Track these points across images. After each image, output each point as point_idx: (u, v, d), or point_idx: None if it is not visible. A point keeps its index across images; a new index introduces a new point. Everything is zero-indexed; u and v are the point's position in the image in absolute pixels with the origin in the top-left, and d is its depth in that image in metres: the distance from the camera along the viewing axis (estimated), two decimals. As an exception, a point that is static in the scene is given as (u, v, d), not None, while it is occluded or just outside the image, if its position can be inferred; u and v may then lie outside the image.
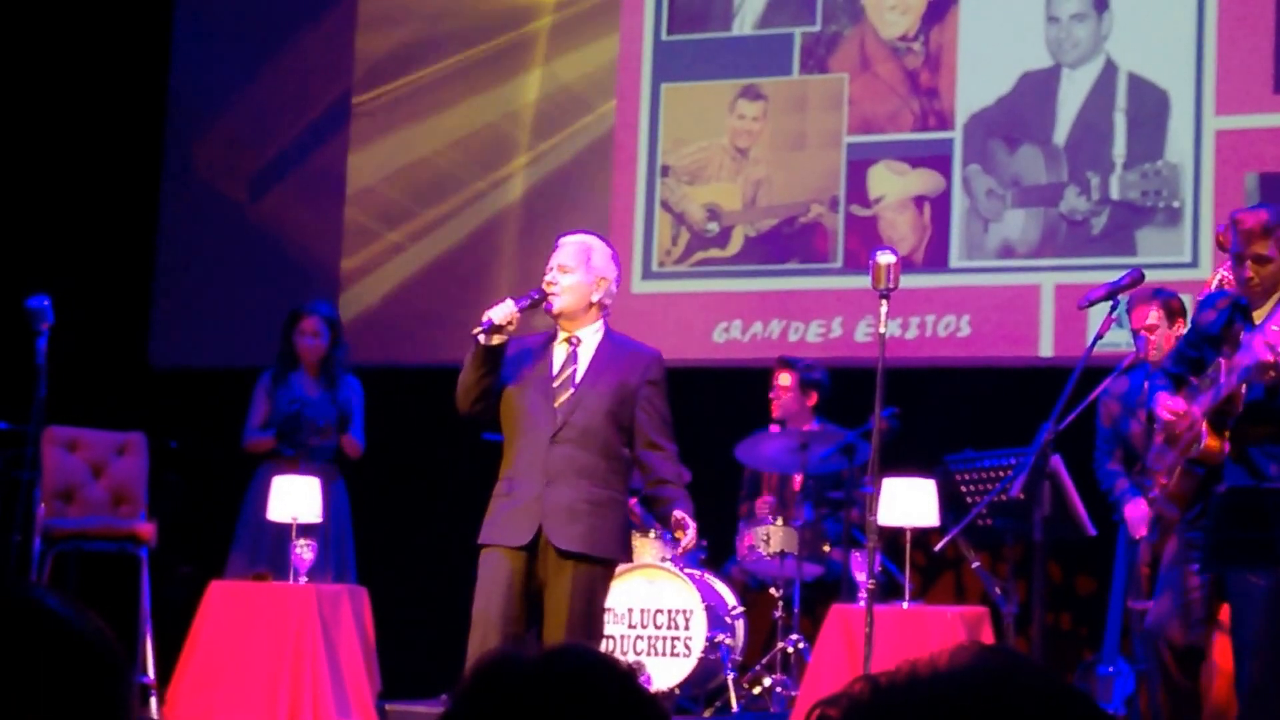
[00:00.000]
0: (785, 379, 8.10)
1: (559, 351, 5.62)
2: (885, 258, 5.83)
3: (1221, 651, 5.87)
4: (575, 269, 5.59)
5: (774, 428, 8.09)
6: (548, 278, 5.60)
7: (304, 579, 7.08)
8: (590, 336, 5.63)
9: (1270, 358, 5.23)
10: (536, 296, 5.57)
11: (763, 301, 8.97)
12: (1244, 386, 5.43)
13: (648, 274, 9.20)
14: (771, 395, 8.11)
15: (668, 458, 5.61)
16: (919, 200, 8.78)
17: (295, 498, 7.18)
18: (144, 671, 7.44)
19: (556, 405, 5.51)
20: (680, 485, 5.62)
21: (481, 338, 5.48)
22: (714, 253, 9.16)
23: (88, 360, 9.13)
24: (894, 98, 8.87)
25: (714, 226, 9.16)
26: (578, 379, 5.56)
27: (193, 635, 7.12)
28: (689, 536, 5.57)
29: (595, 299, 5.59)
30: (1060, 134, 8.57)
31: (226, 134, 10.01)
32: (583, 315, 5.60)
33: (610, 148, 9.37)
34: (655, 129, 9.33)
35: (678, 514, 5.56)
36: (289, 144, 9.90)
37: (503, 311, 5.47)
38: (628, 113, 9.38)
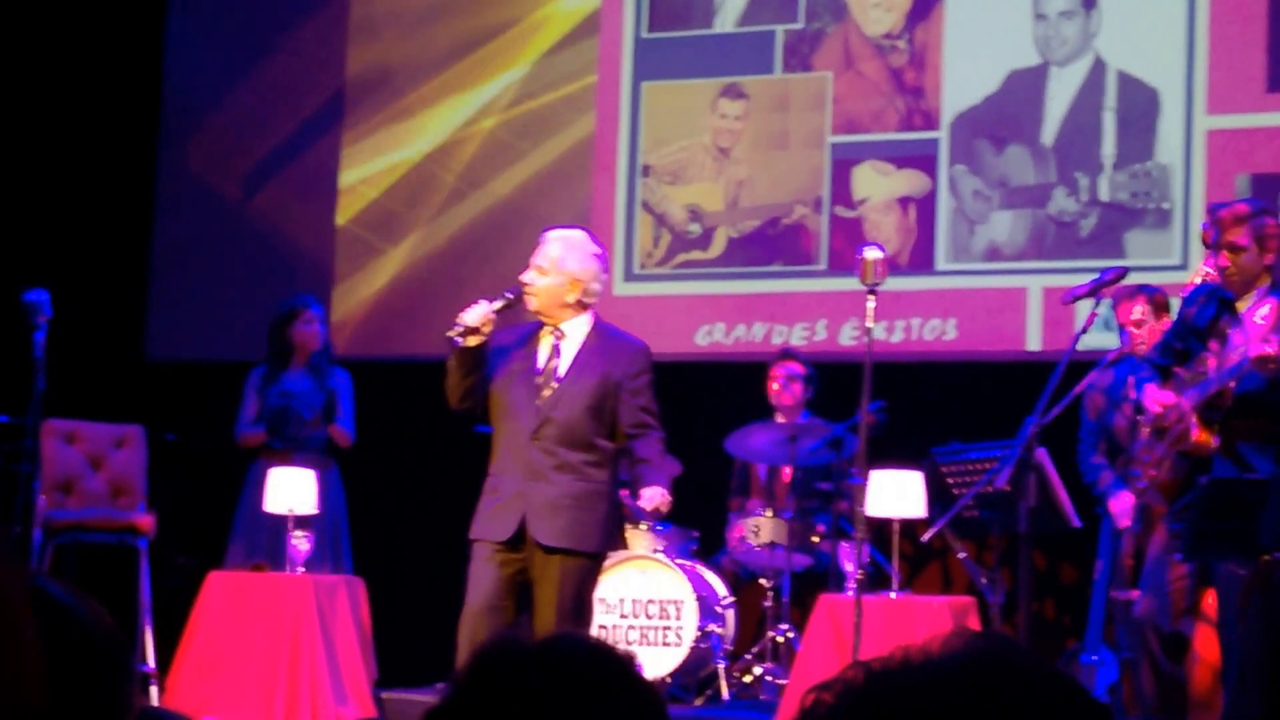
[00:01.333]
0: (793, 370, 8.09)
1: (544, 345, 5.60)
2: (872, 253, 5.87)
3: (1204, 641, 5.88)
4: (549, 270, 5.56)
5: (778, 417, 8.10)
6: (525, 276, 5.59)
7: (301, 569, 7.08)
8: (575, 330, 5.60)
9: (1272, 350, 5.24)
10: (510, 296, 5.55)
11: (746, 304, 8.84)
12: (1233, 381, 5.44)
13: (629, 276, 9.06)
14: (777, 387, 8.09)
15: (649, 440, 5.58)
16: (904, 201, 8.64)
17: (291, 489, 7.19)
18: (144, 660, 7.44)
19: (539, 401, 5.51)
20: (657, 463, 5.59)
21: (457, 340, 5.46)
22: (696, 254, 9.02)
23: (85, 353, 9.12)
24: (878, 96, 8.73)
25: (696, 228, 9.03)
26: (560, 374, 5.55)
27: (192, 625, 7.13)
28: (656, 502, 5.50)
29: (570, 300, 5.56)
30: (1048, 134, 8.43)
31: (220, 131, 9.98)
32: (561, 312, 5.58)
33: (591, 147, 9.30)
34: (636, 128, 9.18)
35: (645, 490, 5.53)
36: (282, 141, 9.86)
37: (476, 314, 5.46)
38: (608, 112, 9.23)
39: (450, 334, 5.48)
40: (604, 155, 9.24)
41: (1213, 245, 5.65)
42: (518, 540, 5.46)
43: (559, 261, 5.56)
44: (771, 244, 8.90)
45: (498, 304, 5.50)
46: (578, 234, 5.72)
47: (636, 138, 9.19)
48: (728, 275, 8.96)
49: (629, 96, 9.23)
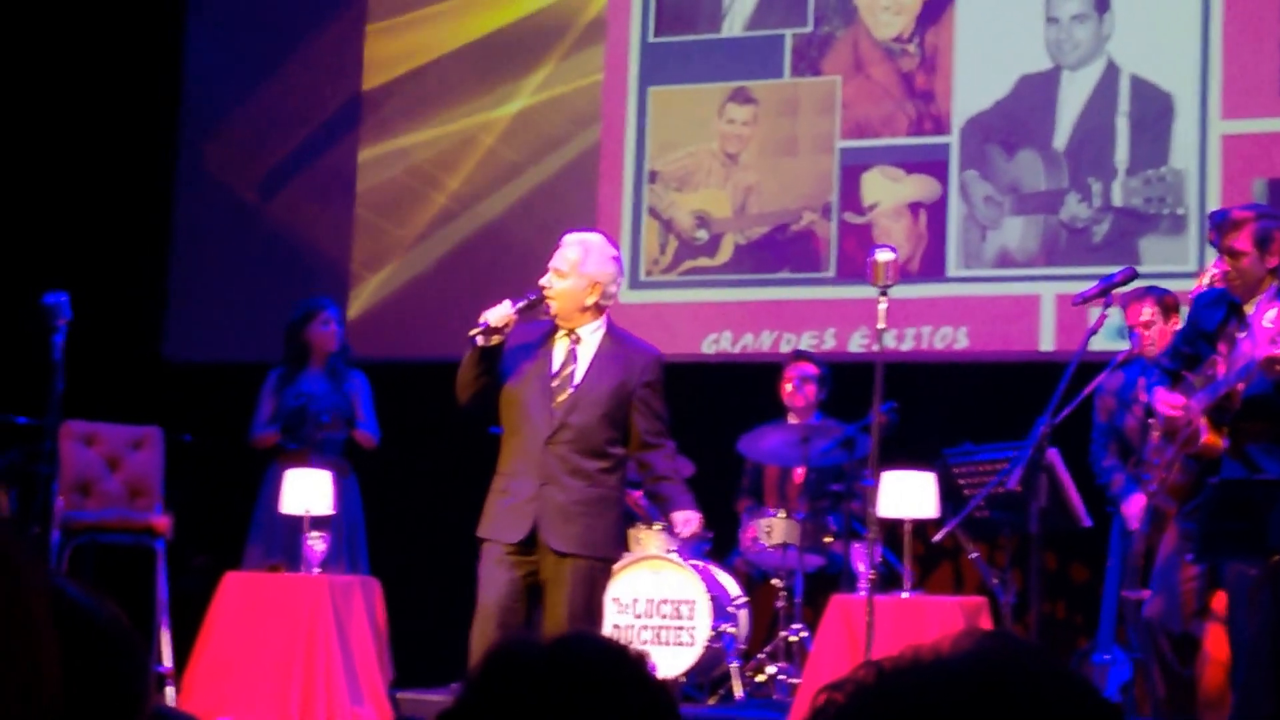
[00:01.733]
0: (806, 371, 8.07)
1: (559, 348, 5.60)
2: (884, 255, 5.87)
3: (1215, 641, 5.87)
4: (569, 274, 5.56)
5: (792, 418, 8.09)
6: (543, 280, 5.59)
7: (317, 570, 7.08)
8: (590, 335, 5.60)
9: (1279, 352, 5.24)
10: (533, 298, 5.55)
11: (753, 312, 8.76)
12: (1241, 384, 5.44)
13: (635, 283, 8.93)
14: (790, 388, 8.06)
15: (665, 455, 5.64)
16: (914, 207, 8.55)
17: (308, 491, 7.19)
18: (160, 660, 7.43)
19: (554, 405, 5.50)
20: (678, 480, 5.69)
21: (479, 339, 5.46)
22: (703, 261, 8.93)
23: (103, 355, 9.12)
24: (888, 101, 8.63)
25: (703, 234, 8.94)
26: (577, 379, 5.54)
27: (208, 625, 7.12)
28: (693, 527, 5.62)
29: (589, 303, 5.56)
30: (1060, 139, 8.32)
31: (238, 134, 10.00)
32: (579, 316, 5.58)
33: (597, 153, 9.19)
34: (642, 134, 9.09)
35: (677, 515, 5.61)
36: (300, 144, 9.87)
37: (499, 314, 5.45)
38: (614, 117, 9.16)
39: (472, 333, 5.48)
40: (610, 161, 9.16)
41: (1216, 250, 5.68)
42: (529, 543, 5.46)
43: (578, 264, 5.56)
44: (780, 250, 8.81)
45: (520, 304, 5.50)
46: (595, 236, 5.72)
47: (643, 143, 9.11)
48: (735, 283, 8.87)
49: (635, 102, 9.14)
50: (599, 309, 5.60)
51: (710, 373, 8.72)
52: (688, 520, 5.64)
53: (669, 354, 8.18)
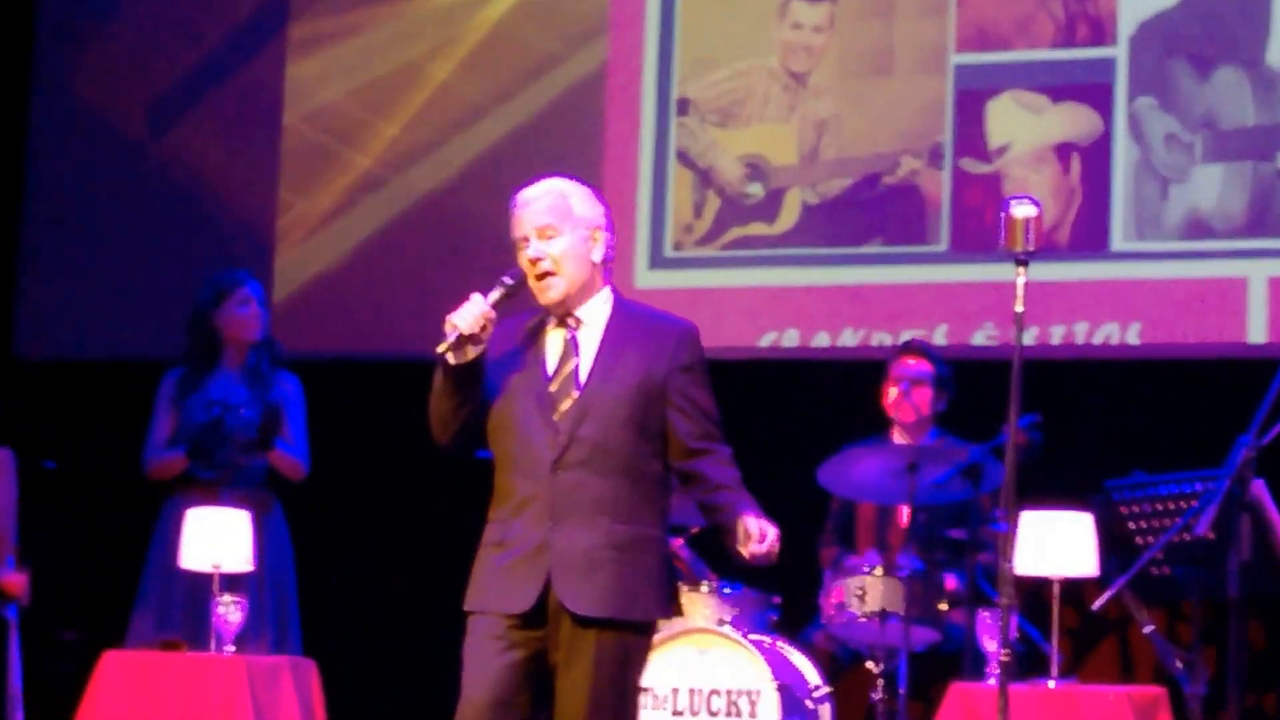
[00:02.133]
0: (920, 370, 8.01)
1: (553, 341, 5.46)
2: (1023, 210, 5.76)
3: None
4: (560, 227, 5.44)
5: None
6: (529, 253, 5.47)
7: (230, 648, 7.10)
8: (594, 313, 5.46)
9: None
10: (511, 283, 5.43)
11: (829, 300, 8.74)
12: None
13: (658, 260, 9.01)
14: (896, 393, 8.02)
15: (721, 461, 5.49)
16: (1064, 150, 8.50)
17: (217, 539, 7.20)
18: (14, 772, 7.46)
19: (556, 418, 5.37)
20: (741, 489, 5.51)
21: (450, 356, 5.37)
22: (757, 228, 8.92)
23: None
24: None
25: (757, 190, 8.93)
26: (582, 378, 5.39)
27: (81, 720, 6.99)
28: (771, 541, 5.42)
29: (596, 259, 5.46)
30: (1275, 53, 8.18)
31: (118, 48, 10.01)
32: (589, 283, 5.49)
33: (604, 74, 9.15)
34: (668, 48, 9.08)
35: (747, 522, 5.42)
36: (204, 59, 9.86)
37: (470, 315, 5.32)
38: (627, 27, 9.16)
39: (440, 348, 5.37)
40: (621, 87, 9.14)
41: None
42: (538, 612, 5.38)
43: (565, 212, 5.46)
44: (868, 213, 8.76)
45: (496, 295, 5.39)
46: (559, 179, 5.63)
47: (670, 60, 9.09)
48: (804, 259, 8.84)
49: (659, 3, 9.14)
50: (605, 270, 5.51)
51: (775, 373, 8.66)
52: (763, 531, 5.47)
53: (710, 352, 8.10)
